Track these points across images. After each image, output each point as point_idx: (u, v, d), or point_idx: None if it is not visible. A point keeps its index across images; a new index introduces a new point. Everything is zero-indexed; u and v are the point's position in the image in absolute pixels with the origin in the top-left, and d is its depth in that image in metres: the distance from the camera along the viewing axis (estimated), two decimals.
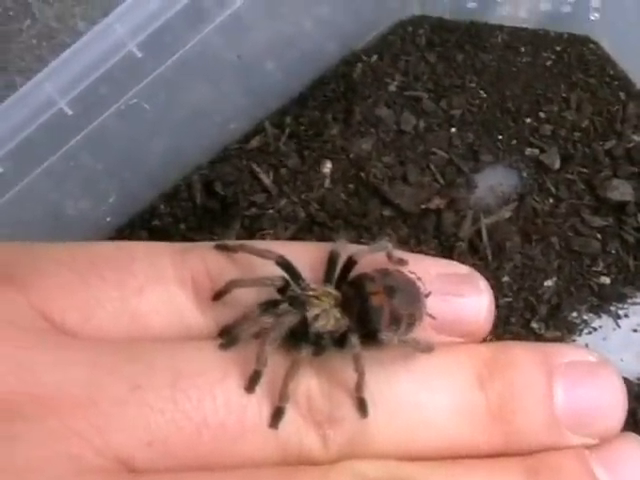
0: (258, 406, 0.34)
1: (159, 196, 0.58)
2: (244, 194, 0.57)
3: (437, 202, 0.57)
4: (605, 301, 0.56)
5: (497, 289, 0.55)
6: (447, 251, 0.56)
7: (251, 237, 0.56)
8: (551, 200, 0.57)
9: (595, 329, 0.56)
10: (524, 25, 0.59)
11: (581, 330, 0.55)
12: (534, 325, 0.55)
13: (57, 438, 0.32)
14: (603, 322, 0.56)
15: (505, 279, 0.56)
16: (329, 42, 0.60)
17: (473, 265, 0.54)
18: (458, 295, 0.38)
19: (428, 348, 0.36)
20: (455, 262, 0.41)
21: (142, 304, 0.36)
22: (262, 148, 0.59)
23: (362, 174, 0.57)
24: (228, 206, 0.57)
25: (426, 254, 0.56)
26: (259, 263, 0.36)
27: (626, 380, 0.54)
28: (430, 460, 0.36)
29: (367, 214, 0.57)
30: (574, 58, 0.59)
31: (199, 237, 0.56)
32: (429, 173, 0.57)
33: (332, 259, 0.37)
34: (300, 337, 0.35)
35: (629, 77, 0.58)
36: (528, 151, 0.58)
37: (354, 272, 0.37)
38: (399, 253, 0.39)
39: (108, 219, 0.56)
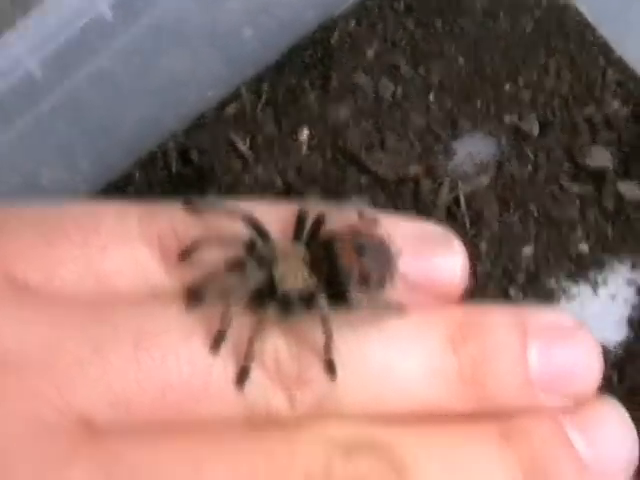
0: (223, 366, 0.34)
1: (134, 163, 0.57)
2: (220, 161, 0.57)
3: (415, 169, 0.56)
4: (583, 269, 0.55)
5: (475, 257, 0.55)
6: (424, 219, 0.55)
7: None
8: (530, 167, 0.57)
9: (573, 297, 0.55)
10: None
11: (559, 298, 0.55)
12: (512, 293, 0.55)
13: (15, 397, 0.32)
14: (581, 290, 0.55)
15: (483, 247, 0.55)
16: (306, 9, 0.59)
17: None
18: (432, 255, 0.38)
19: (400, 309, 0.36)
20: (430, 222, 0.40)
21: (106, 263, 0.35)
22: (238, 115, 0.58)
23: (339, 141, 0.57)
24: (204, 174, 0.57)
25: None
26: (227, 223, 0.36)
27: (603, 347, 0.54)
28: (402, 422, 0.35)
29: (344, 181, 0.56)
30: (553, 24, 0.58)
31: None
32: (407, 140, 0.57)
33: (301, 217, 0.37)
34: (267, 297, 0.35)
35: (608, 43, 0.57)
36: (507, 118, 0.57)
37: (324, 231, 0.37)
38: (372, 212, 0.38)
39: (82, 186, 0.55)
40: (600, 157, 0.56)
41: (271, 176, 0.56)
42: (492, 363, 0.36)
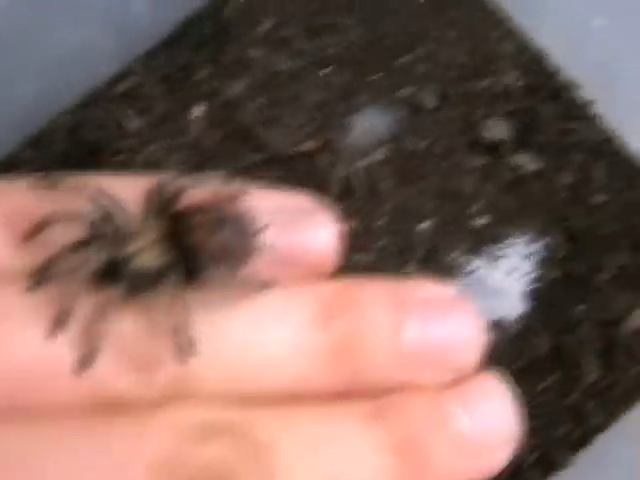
0: (67, 350, 0.32)
1: (23, 142, 0.56)
2: (112, 140, 0.55)
3: (310, 144, 0.55)
4: (482, 242, 0.55)
5: (372, 232, 0.54)
6: (320, 195, 0.54)
7: None
8: (427, 141, 0.56)
9: (471, 271, 0.55)
10: None
11: (458, 272, 0.55)
12: (410, 268, 0.54)
13: None
14: (480, 264, 0.55)
15: (380, 222, 0.55)
16: None
17: (347, 209, 0.54)
18: (300, 228, 0.37)
19: (263, 285, 0.34)
20: (300, 194, 0.39)
21: None
22: (131, 92, 0.57)
23: (235, 117, 0.56)
24: (96, 152, 0.55)
25: None
26: (81, 199, 0.34)
27: (502, 322, 0.54)
28: (265, 403, 0.34)
29: (240, 157, 0.55)
30: None
31: None
32: (302, 115, 0.56)
33: (159, 192, 0.35)
34: (116, 275, 0.33)
35: (505, 15, 0.57)
36: (403, 91, 0.57)
37: (181, 206, 0.35)
38: (237, 184, 0.37)
39: None
40: (497, 129, 0.56)
41: (165, 154, 0.55)
42: (364, 338, 0.35)
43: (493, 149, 0.56)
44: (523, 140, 0.56)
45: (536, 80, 0.56)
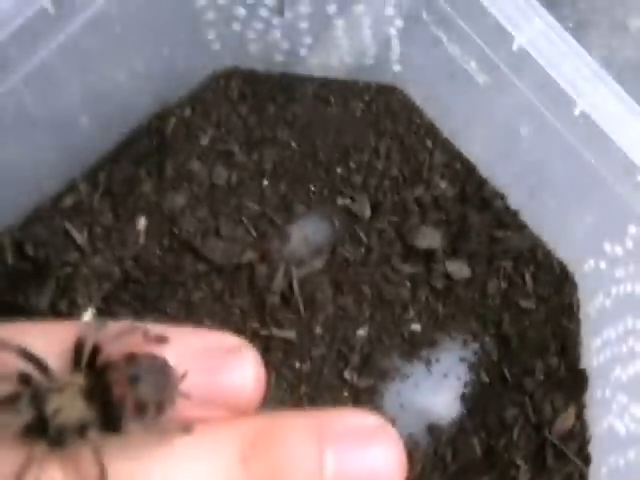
0: None
1: None
2: (57, 253, 0.57)
3: (250, 255, 0.57)
4: (416, 347, 0.57)
5: (310, 341, 0.56)
6: (260, 304, 0.56)
7: (65, 296, 0.56)
8: (362, 249, 0.58)
9: (407, 376, 0.57)
10: (333, 75, 0.60)
11: (393, 377, 0.56)
12: (347, 375, 0.56)
13: None
14: (415, 368, 0.57)
15: (318, 331, 0.56)
16: (143, 97, 0.59)
17: (286, 318, 0.56)
18: (222, 369, 0.37)
19: (184, 430, 0.35)
20: (225, 334, 0.39)
21: None
22: (75, 206, 0.58)
23: (175, 229, 0.57)
24: (41, 267, 0.56)
25: (240, 308, 0.56)
26: (3, 354, 0.35)
27: (437, 426, 0.56)
28: None
29: (182, 269, 0.57)
30: (382, 107, 0.60)
31: (12, 299, 0.56)
32: (242, 226, 0.58)
33: (79, 345, 0.36)
34: (40, 431, 0.34)
35: (435, 125, 0.59)
36: (340, 201, 0.59)
37: (100, 360, 0.36)
38: (158, 329, 0.37)
39: None
40: (429, 237, 0.57)
41: (109, 266, 0.57)
42: (286, 476, 0.35)
43: (426, 257, 0.58)
44: (454, 248, 0.58)
45: (466, 190, 0.58)
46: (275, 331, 0.56)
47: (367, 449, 0.37)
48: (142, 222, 0.58)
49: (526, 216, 0.58)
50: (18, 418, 0.34)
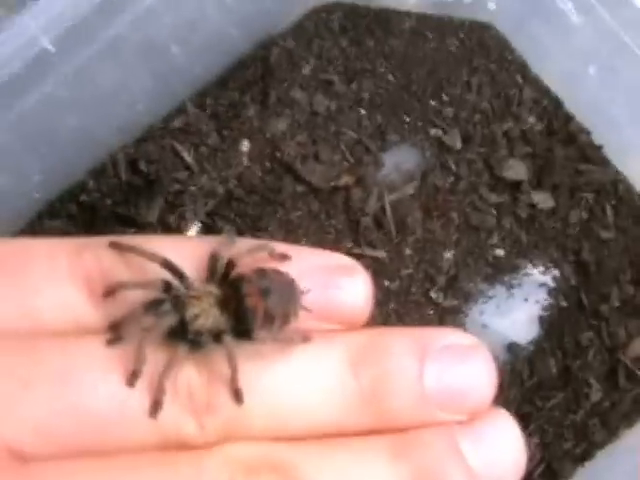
0: (139, 399, 0.37)
1: (88, 172, 0.61)
2: (167, 171, 0.61)
3: (346, 179, 0.61)
4: (499, 272, 0.61)
5: (399, 261, 0.60)
6: (354, 225, 0.60)
7: (173, 211, 0.60)
8: (452, 178, 0.61)
9: (490, 298, 0.60)
10: (430, 12, 0.63)
11: (476, 299, 0.60)
12: (433, 295, 0.60)
13: None
14: (497, 291, 0.60)
15: (407, 252, 0.60)
16: (249, 28, 0.63)
17: (377, 239, 0.60)
18: (338, 287, 0.41)
19: (304, 340, 0.39)
20: (338, 254, 0.43)
21: (38, 303, 0.38)
22: (184, 128, 0.62)
23: (277, 153, 0.61)
24: (152, 183, 0.60)
25: (335, 228, 0.60)
26: (148, 264, 0.39)
27: (516, 345, 0.60)
28: (302, 441, 0.38)
29: (281, 190, 0.60)
30: (476, 44, 0.63)
31: (125, 212, 0.60)
32: (339, 152, 0.61)
33: (214, 259, 0.40)
34: (180, 334, 0.38)
35: (526, 62, 0.62)
36: (432, 132, 0.62)
37: (234, 273, 0.40)
38: (282, 248, 0.41)
39: (37, 195, 0.60)
40: (516, 169, 0.61)
41: (214, 185, 0.60)
42: (390, 385, 0.40)
43: (512, 187, 0.61)
44: (539, 179, 0.61)
45: (553, 125, 0.61)
46: (367, 251, 0.60)
47: (463, 365, 0.41)
48: (245, 145, 0.62)
49: (609, 151, 0.61)
50: (162, 321, 0.38)
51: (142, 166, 0.61)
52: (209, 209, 0.60)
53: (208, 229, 0.60)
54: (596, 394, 0.58)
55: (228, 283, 0.40)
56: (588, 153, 0.61)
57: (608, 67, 0.57)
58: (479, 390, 0.41)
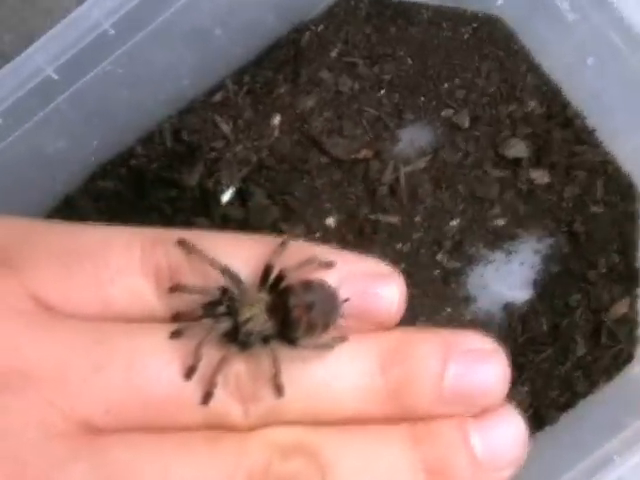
0: (194, 387, 0.40)
1: (137, 140, 0.68)
2: (206, 140, 0.67)
3: (366, 152, 0.67)
4: (499, 239, 0.67)
5: (410, 226, 0.66)
6: (371, 193, 0.66)
7: (211, 176, 0.66)
8: (460, 154, 0.67)
9: (490, 262, 0.66)
10: (446, 4, 0.69)
11: (478, 262, 0.66)
12: (439, 257, 0.66)
13: (34, 407, 0.38)
14: (497, 257, 0.67)
15: (417, 218, 0.66)
16: (283, 13, 0.69)
17: (392, 206, 0.66)
18: (375, 294, 0.43)
19: (341, 340, 0.42)
20: (379, 261, 0.45)
21: (112, 291, 0.42)
22: (223, 102, 0.68)
23: (305, 127, 0.67)
24: (193, 150, 0.67)
25: (355, 195, 0.66)
26: (209, 267, 0.42)
27: (511, 304, 0.66)
28: (331, 427, 0.42)
29: (308, 160, 0.66)
30: (486, 35, 0.68)
31: (169, 175, 0.67)
32: (361, 127, 0.67)
33: (267, 270, 0.43)
34: (232, 335, 0.42)
35: (529, 52, 0.68)
36: (444, 112, 0.68)
37: (284, 284, 0.43)
38: (328, 253, 0.44)
39: (92, 158, 0.67)
40: (517, 148, 0.67)
41: (248, 154, 0.67)
42: (414, 383, 0.42)
43: (513, 164, 0.67)
44: (538, 158, 0.67)
45: (552, 110, 0.68)
46: (382, 216, 0.66)
47: (482, 367, 0.43)
48: (277, 119, 0.67)
49: (601, 134, 0.67)
50: (218, 325, 0.42)
51: (185, 135, 0.67)
52: (243, 175, 0.66)
53: (241, 193, 0.66)
54: (581, 350, 0.65)
55: (277, 293, 0.43)
56: (582, 136, 0.67)
57: (602, 60, 0.63)
58: (494, 390, 0.43)
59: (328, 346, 0.42)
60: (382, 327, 0.44)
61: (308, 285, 0.42)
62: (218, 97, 0.69)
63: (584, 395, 0.65)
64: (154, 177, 0.67)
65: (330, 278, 0.43)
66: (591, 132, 0.67)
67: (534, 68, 0.68)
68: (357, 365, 0.43)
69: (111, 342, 0.41)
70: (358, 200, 0.66)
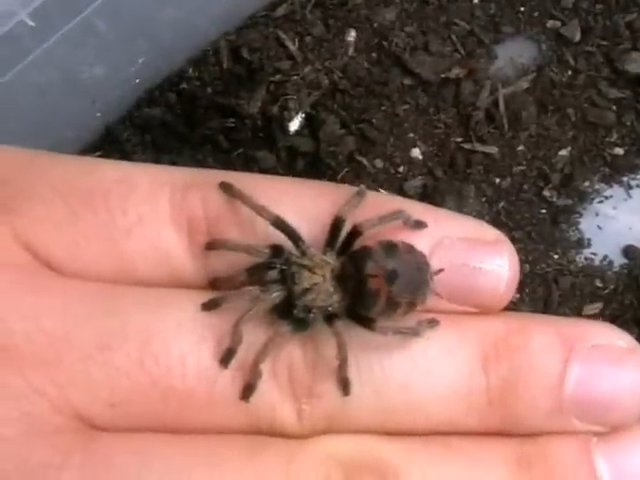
0: (231, 378, 0.33)
1: (187, 60, 0.60)
2: (270, 60, 0.59)
3: (457, 72, 0.59)
4: (617, 171, 0.58)
5: (511, 158, 0.58)
6: (464, 119, 0.58)
7: (275, 102, 0.58)
8: (569, 72, 0.59)
9: (606, 198, 0.58)
10: None
11: (592, 199, 0.58)
12: (546, 193, 0.58)
13: (14, 395, 0.32)
14: (614, 192, 0.58)
15: (520, 148, 0.58)
16: None
17: (489, 134, 0.57)
18: (478, 266, 0.35)
19: (430, 325, 0.34)
20: (484, 225, 0.37)
21: (129, 246, 0.34)
22: (288, 16, 0.60)
23: (385, 43, 0.59)
24: (254, 72, 0.59)
25: (444, 123, 0.58)
26: (258, 219, 0.34)
27: (633, 248, 0.57)
28: (412, 441, 0.34)
29: (388, 82, 0.59)
30: None
31: (225, 101, 0.59)
32: (450, 43, 0.59)
33: (336, 224, 0.34)
34: (286, 309, 0.34)
35: None
36: (549, 23, 0.60)
37: (358, 245, 0.35)
38: (418, 210, 0.35)
39: (137, 80, 0.59)
40: (639, 63, 0.58)
41: (318, 76, 0.59)
42: (525, 385, 0.34)
43: (634, 82, 0.58)
44: None
45: None
46: (478, 146, 0.58)
47: (614, 371, 0.35)
48: (352, 35, 0.60)
49: None
50: (267, 295, 0.33)
51: (244, 54, 0.60)
52: (312, 101, 0.59)
53: (312, 121, 0.58)
54: None
55: (349, 256, 0.34)
56: None
57: None
58: (629, 402, 0.35)
59: (414, 332, 0.34)
60: (485, 311, 0.35)
61: (391, 247, 0.33)
62: (282, 10, 0.61)
63: None
64: (208, 103, 0.60)
65: (420, 243, 0.34)
66: None
67: None
68: (451, 360, 0.34)
69: (124, 313, 0.33)
70: (448, 128, 0.59)
